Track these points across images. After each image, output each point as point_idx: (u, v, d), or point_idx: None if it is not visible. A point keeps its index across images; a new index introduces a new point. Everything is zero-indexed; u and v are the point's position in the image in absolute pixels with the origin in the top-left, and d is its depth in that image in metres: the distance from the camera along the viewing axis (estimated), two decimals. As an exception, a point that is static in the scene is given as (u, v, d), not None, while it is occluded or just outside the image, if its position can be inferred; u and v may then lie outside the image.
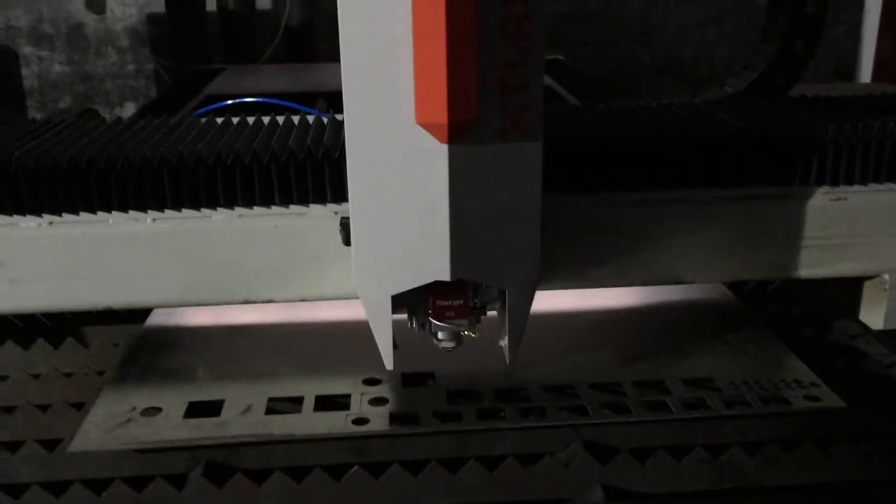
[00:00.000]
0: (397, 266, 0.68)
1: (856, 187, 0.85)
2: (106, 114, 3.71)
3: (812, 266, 0.86)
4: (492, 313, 0.73)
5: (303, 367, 0.83)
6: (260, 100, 1.23)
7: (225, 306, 0.90)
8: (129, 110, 3.74)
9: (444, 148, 0.64)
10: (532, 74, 0.64)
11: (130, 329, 0.93)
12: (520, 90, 0.64)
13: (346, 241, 0.73)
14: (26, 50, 3.69)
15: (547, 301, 0.94)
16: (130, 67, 3.75)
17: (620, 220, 0.84)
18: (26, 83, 3.76)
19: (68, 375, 0.85)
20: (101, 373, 0.84)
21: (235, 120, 0.95)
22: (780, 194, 0.84)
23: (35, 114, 3.80)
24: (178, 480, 0.68)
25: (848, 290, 0.92)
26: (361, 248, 0.69)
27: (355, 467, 0.68)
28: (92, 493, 0.66)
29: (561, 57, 2.76)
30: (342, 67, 0.64)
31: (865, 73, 2.88)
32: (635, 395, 0.77)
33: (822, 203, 0.85)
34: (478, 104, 0.62)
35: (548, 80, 2.11)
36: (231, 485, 0.67)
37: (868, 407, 0.76)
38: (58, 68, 3.74)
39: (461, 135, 0.64)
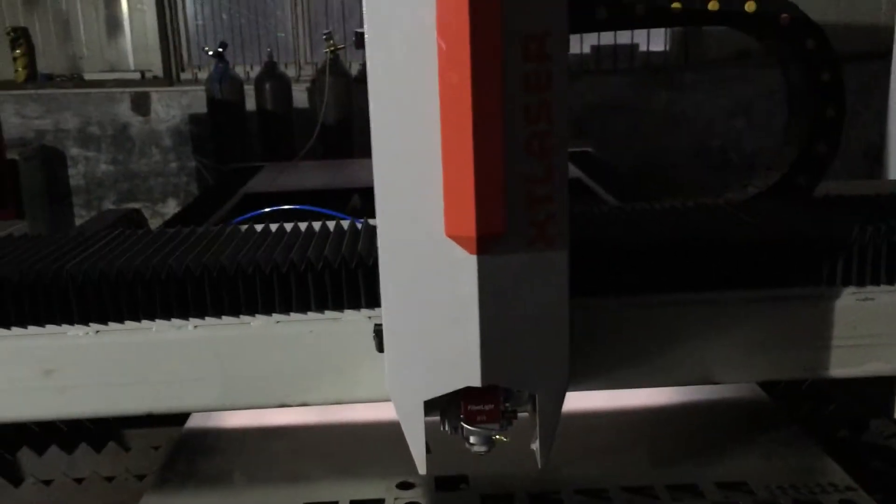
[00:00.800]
0: (429, 372, 0.70)
1: (883, 287, 0.86)
2: (149, 210, 3.82)
3: (840, 366, 0.86)
4: (523, 414, 0.74)
5: (337, 470, 0.84)
6: (297, 207, 1.28)
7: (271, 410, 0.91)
8: (171, 206, 3.87)
9: (474, 259, 0.66)
10: (556, 187, 0.67)
11: (170, 432, 0.95)
12: (544, 202, 0.67)
13: (380, 348, 0.75)
14: (74, 151, 3.84)
15: (577, 400, 0.95)
16: (173, 165, 3.88)
17: (650, 321, 0.85)
18: (73, 182, 3.91)
19: (109, 479, 0.87)
20: (140, 477, 0.86)
21: (274, 227, 0.99)
22: (808, 295, 0.85)
23: (81, 210, 3.93)
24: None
25: (883, 389, 0.92)
26: (394, 355, 0.71)
27: (392, 576, 0.69)
28: None
29: (589, 149, 2.80)
30: (374, 181, 0.67)
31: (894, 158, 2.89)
32: (669, 500, 0.77)
33: (849, 303, 0.85)
34: (506, 217, 0.65)
35: (577, 172, 2.15)
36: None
37: (904, 511, 0.75)
38: (103, 167, 3.89)
39: (489, 246, 0.66)
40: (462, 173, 0.63)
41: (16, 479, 0.86)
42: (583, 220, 0.95)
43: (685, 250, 0.84)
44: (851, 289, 0.85)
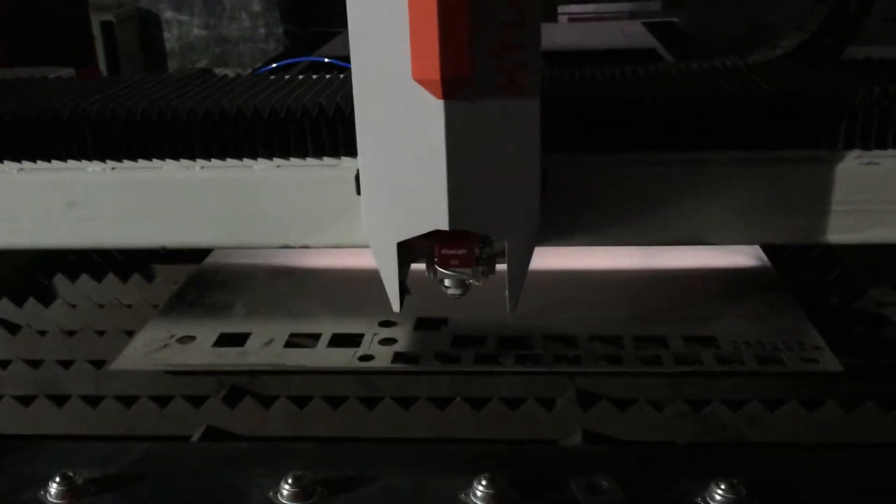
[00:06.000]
0: (401, 215, 0.73)
1: (889, 151, 0.83)
2: (237, 75, 3.89)
3: (840, 231, 0.85)
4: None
5: (330, 308, 0.89)
6: (330, 60, 1.30)
7: (285, 250, 0.96)
8: (258, 72, 3.93)
9: (441, 103, 0.67)
10: (529, 34, 0.67)
11: (191, 268, 1.02)
12: (516, 49, 0.67)
13: (358, 192, 0.78)
14: (168, 14, 3.93)
15: (576, 259, 0.97)
16: (261, 31, 3.93)
17: (640, 179, 0.85)
18: (168, 46, 4.02)
19: (129, 307, 0.94)
20: (156, 305, 0.94)
21: (300, 77, 1.02)
22: (807, 157, 0.83)
23: (175, 75, 4.05)
24: (199, 400, 0.76)
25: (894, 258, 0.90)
26: (369, 199, 0.74)
27: (350, 398, 0.74)
28: (122, 407, 0.75)
29: (675, 20, 2.70)
30: (349, 25, 0.68)
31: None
32: (632, 349, 0.79)
33: (852, 167, 0.83)
34: (473, 61, 0.65)
35: (653, 43, 2.08)
36: (242, 406, 0.75)
37: (866, 372, 0.75)
38: (196, 31, 3.97)
39: (456, 91, 0.67)
40: (426, 15, 0.63)
41: (46, 301, 0.95)
42: (585, 78, 0.95)
43: (679, 108, 0.82)
44: (856, 152, 0.82)
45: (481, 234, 0.74)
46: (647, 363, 0.78)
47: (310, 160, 0.88)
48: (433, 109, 0.68)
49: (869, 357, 0.78)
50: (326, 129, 0.87)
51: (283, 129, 0.87)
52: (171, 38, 3.99)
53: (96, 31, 3.43)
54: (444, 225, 0.71)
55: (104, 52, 3.66)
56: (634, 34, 2.28)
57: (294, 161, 0.89)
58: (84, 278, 1.00)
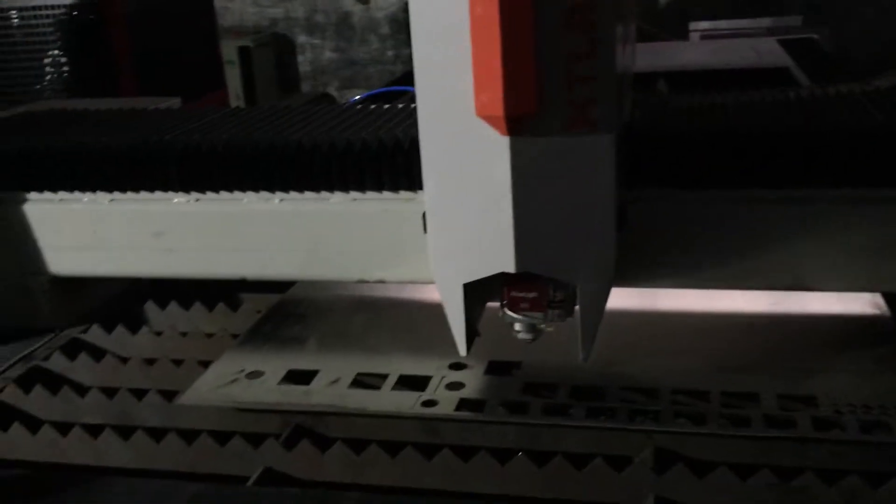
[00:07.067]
0: (468, 256, 0.69)
1: None
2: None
3: (966, 279, 0.75)
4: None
5: (402, 346, 0.87)
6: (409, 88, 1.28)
7: (371, 284, 0.94)
8: (387, 94, 4.01)
9: (506, 140, 0.64)
10: (601, 65, 0.62)
11: (276, 298, 1.02)
12: (587, 81, 0.63)
13: (426, 230, 0.75)
14: (301, 39, 4.06)
15: (659, 300, 0.90)
16: (390, 53, 3.99)
17: (733, 218, 0.79)
18: (301, 69, 4.14)
19: (209, 336, 0.95)
20: (235, 336, 0.94)
21: (386, 107, 1.01)
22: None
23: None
24: (259, 439, 0.74)
25: None
26: (435, 238, 0.71)
27: (408, 446, 0.71)
28: (184, 443, 0.75)
29: (815, 36, 2.54)
30: (413, 56, 0.66)
31: None
32: (718, 406, 0.72)
33: (978, 207, 0.74)
34: (539, 96, 0.61)
35: (787, 62, 1.97)
36: (299, 448, 0.73)
37: None
38: (328, 55, 4.08)
39: (522, 127, 0.63)
40: (489, 47, 0.60)
41: (134, 329, 0.97)
42: (676, 106, 0.88)
43: (775, 141, 0.75)
44: (982, 191, 0.73)
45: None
46: (734, 423, 0.70)
47: (386, 193, 0.87)
48: (498, 146, 0.64)
49: None
50: (403, 162, 0.85)
51: (357, 162, 0.86)
52: (303, 62, 4.11)
53: (233, 56, 3.56)
54: (510, 267, 0.68)
55: (241, 76, 3.80)
56: (768, 52, 2.15)
57: (370, 194, 0.87)
58: (172, 306, 1.02)
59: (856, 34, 3.26)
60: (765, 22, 3.19)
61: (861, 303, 0.87)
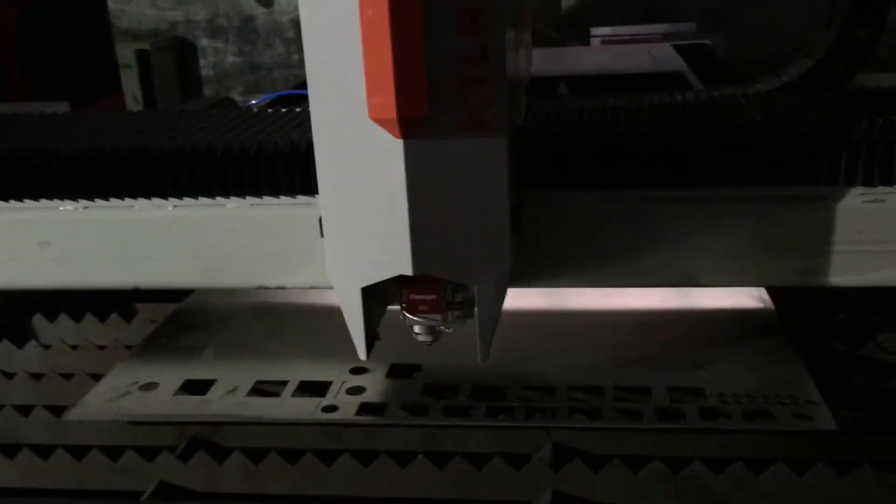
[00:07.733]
0: (365, 259, 0.69)
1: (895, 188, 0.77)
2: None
3: (842, 273, 0.79)
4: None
5: (302, 351, 0.86)
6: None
7: (272, 290, 0.92)
8: (292, 98, 3.95)
9: (400, 143, 0.64)
10: (493, 68, 0.63)
11: (173, 307, 0.99)
12: (479, 85, 0.63)
13: (322, 234, 0.75)
14: (203, 42, 3.98)
15: (566, 299, 0.92)
16: (295, 57, 3.94)
17: (624, 218, 0.81)
18: (203, 73, 4.06)
19: (101, 348, 0.92)
20: (129, 347, 0.91)
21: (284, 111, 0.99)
22: (804, 195, 0.78)
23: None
24: (153, 453, 0.72)
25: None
26: (331, 242, 0.70)
27: (308, 453, 0.70)
28: (73, 459, 0.72)
29: (707, 42, 2.63)
30: (306, 63, 0.65)
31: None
32: (612, 401, 0.74)
33: (854, 205, 0.77)
34: (431, 99, 0.61)
35: (681, 66, 2.03)
36: (195, 460, 0.71)
37: (862, 432, 0.68)
38: (231, 59, 4.01)
39: (415, 130, 0.63)
40: (380, 50, 0.60)
41: (20, 342, 0.93)
42: (567, 110, 0.90)
43: (667, 143, 0.78)
44: (858, 189, 0.77)
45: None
46: (627, 417, 0.72)
47: (283, 198, 0.86)
48: (393, 149, 0.64)
49: (870, 411, 0.72)
50: (300, 166, 0.84)
51: (253, 167, 0.85)
52: (206, 66, 4.03)
53: (130, 59, 3.46)
54: (407, 270, 0.67)
55: (139, 80, 3.69)
56: (664, 57, 2.22)
57: (267, 199, 0.86)
58: (62, 318, 0.98)
59: (746, 41, 3.38)
60: (661, 28, 3.28)
61: (746, 297, 0.90)
